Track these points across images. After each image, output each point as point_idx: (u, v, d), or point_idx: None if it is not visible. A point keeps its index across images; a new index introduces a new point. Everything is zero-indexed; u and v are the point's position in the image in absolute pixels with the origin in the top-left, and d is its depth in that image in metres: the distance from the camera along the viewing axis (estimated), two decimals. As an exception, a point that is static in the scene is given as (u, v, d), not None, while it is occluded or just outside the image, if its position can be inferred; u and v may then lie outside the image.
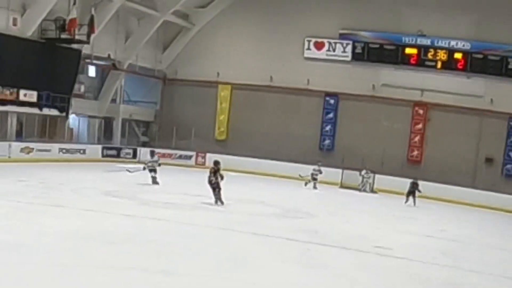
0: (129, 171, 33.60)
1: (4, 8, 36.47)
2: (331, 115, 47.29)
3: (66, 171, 34.78)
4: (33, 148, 38.77)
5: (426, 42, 44.26)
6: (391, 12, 44.69)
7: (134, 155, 46.33)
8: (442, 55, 43.87)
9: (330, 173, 40.46)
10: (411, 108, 45.34)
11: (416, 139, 45.29)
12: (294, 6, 47.41)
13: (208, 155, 45.38)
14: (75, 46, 41.03)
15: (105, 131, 48.47)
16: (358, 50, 46.01)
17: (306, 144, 46.49)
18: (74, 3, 39.28)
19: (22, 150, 38.05)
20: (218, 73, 49.54)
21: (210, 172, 25.55)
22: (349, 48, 46.27)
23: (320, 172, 39.70)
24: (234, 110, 49.72)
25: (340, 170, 42.09)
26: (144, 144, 49.53)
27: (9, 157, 36.80)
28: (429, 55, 44.19)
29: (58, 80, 40.38)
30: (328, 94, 47.18)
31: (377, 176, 41.35)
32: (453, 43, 43.53)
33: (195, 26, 50.56)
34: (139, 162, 41.89)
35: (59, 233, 16.30)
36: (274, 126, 47.93)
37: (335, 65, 46.48)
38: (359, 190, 41.04)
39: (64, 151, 41.48)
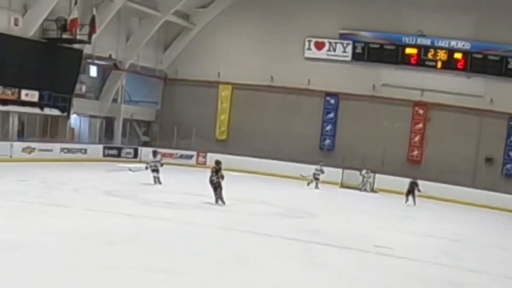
0: (131, 170, 33.66)
1: (6, 8, 36.50)
2: (331, 115, 47.36)
3: (67, 170, 34.73)
4: (34, 148, 38.77)
5: (426, 42, 44.33)
6: (391, 12, 44.77)
7: (135, 155, 46.37)
8: (442, 55, 43.93)
9: (331, 172, 40.33)
10: (411, 108, 45.39)
11: (416, 139, 45.35)
12: (294, 6, 47.51)
13: (209, 154, 45.52)
14: (76, 46, 41.04)
15: (106, 131, 48.44)
16: (359, 50, 46.08)
17: (306, 144, 46.58)
18: (76, 3, 39.27)
19: (23, 150, 38.03)
20: (219, 73, 49.60)
21: (212, 172, 25.57)
22: (349, 48, 46.33)
23: (322, 172, 39.72)
24: (235, 110, 49.78)
25: (340, 170, 42.09)
26: (145, 144, 49.54)
27: (11, 156, 36.75)
28: (429, 55, 44.26)
29: (60, 80, 40.40)
30: (328, 94, 47.22)
31: (377, 175, 41.40)
32: (453, 43, 43.60)
33: (196, 26, 50.61)
34: (140, 161, 42.10)
35: (60, 232, 16.33)
36: (275, 126, 48.04)
37: (335, 65, 46.53)
38: (360, 189, 41.09)
39: (65, 150, 41.44)
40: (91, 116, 47.35)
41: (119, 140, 48.64)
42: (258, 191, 34.87)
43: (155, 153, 32.58)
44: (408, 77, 44.75)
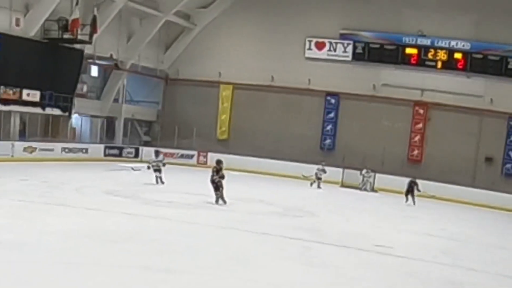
0: (134, 170, 33.78)
1: (7, 9, 36.59)
2: (332, 115, 47.45)
3: (68, 170, 34.78)
4: (36, 148, 38.84)
5: (426, 42, 44.42)
6: (392, 13, 44.87)
7: (136, 154, 46.48)
8: (442, 55, 44.02)
9: (331, 172, 40.34)
10: (412, 107, 45.46)
11: (416, 138, 45.44)
12: (295, 6, 47.60)
13: (209, 154, 45.65)
14: (77, 46, 41.11)
15: (107, 130, 48.55)
16: (359, 50, 46.18)
17: (307, 143, 46.67)
18: (77, 4, 39.27)
19: (25, 149, 38.10)
20: (219, 73, 49.70)
21: (213, 171, 25.57)
22: (349, 48, 46.45)
23: (324, 172, 39.81)
24: (236, 110, 49.88)
25: (340, 169, 42.15)
26: (146, 144, 49.58)
27: (12, 156, 36.80)
28: (429, 55, 44.36)
29: (61, 80, 40.51)
30: (329, 93, 47.31)
31: (377, 175, 41.44)
32: (453, 43, 43.69)
33: (196, 26, 50.72)
34: (141, 161, 42.16)
35: (61, 232, 16.37)
36: (275, 125, 48.08)
37: (336, 65, 46.64)
38: (360, 189, 41.13)
39: (66, 150, 41.54)
40: (92, 116, 47.42)
41: (120, 140, 48.72)
42: (259, 190, 34.93)
43: (157, 153, 32.60)
44: (408, 77, 44.84)
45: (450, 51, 43.97)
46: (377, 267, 16.30)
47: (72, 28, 39.26)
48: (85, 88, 46.02)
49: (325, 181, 39.81)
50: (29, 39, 37.69)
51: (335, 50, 46.85)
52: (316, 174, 39.87)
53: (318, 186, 39.42)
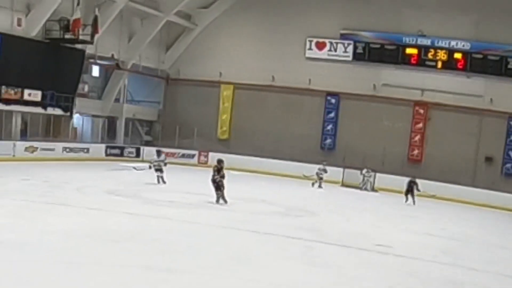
0: (136, 169, 33.82)
1: (9, 9, 36.62)
2: (332, 115, 47.50)
3: (70, 170, 34.83)
4: (37, 147, 38.90)
5: (426, 42, 44.46)
6: (392, 13, 44.90)
7: (138, 154, 46.42)
8: (442, 55, 44.06)
9: (332, 172, 40.29)
10: (412, 107, 45.50)
11: (417, 138, 45.47)
12: (295, 6, 47.63)
13: (210, 154, 45.64)
14: (79, 46, 41.12)
15: (108, 130, 48.48)
16: (359, 50, 46.21)
17: (307, 143, 46.72)
18: (78, 4, 39.30)
19: (26, 149, 38.15)
20: (220, 73, 49.75)
21: (214, 171, 25.61)
22: (350, 48, 46.49)
23: (326, 171, 39.84)
24: (237, 110, 49.93)
25: (341, 169, 42.19)
26: (147, 143, 49.57)
27: (14, 156, 36.86)
28: (429, 55, 44.39)
29: (62, 80, 40.53)
30: (329, 93, 47.35)
31: (377, 175, 41.44)
32: (453, 43, 43.73)
33: (197, 26, 50.76)
34: (142, 161, 42.12)
35: (62, 231, 16.44)
36: (276, 125, 48.09)
37: (336, 65, 46.68)
38: (360, 188, 41.13)
39: (68, 150, 41.58)
40: (93, 116, 47.53)
41: (122, 139, 48.73)
42: (259, 190, 34.93)
43: (159, 153, 32.55)
44: (409, 77, 44.88)
45: (450, 51, 43.99)
46: (377, 267, 16.35)
47: (73, 28, 39.23)
48: (86, 88, 46.06)
49: (326, 181, 39.77)
50: (30, 39, 37.72)
51: (335, 50, 46.90)
52: (317, 174, 39.92)
53: (320, 186, 39.43)
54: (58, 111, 41.48)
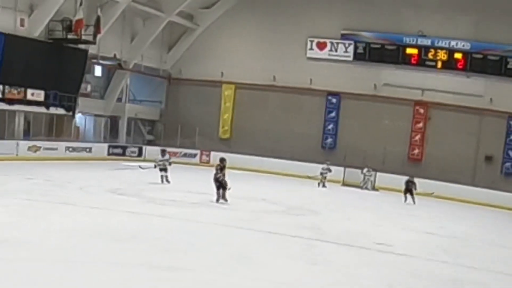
0: (141, 168, 33.91)
1: (12, 9, 36.70)
2: (333, 114, 47.63)
3: (72, 169, 34.83)
4: (40, 147, 38.98)
5: (427, 42, 44.57)
6: (392, 13, 45.03)
7: (140, 153, 46.58)
8: (442, 55, 44.17)
9: (332, 171, 40.34)
10: (412, 107, 45.61)
11: (417, 137, 45.60)
12: (296, 7, 47.76)
13: (212, 153, 45.83)
14: (81, 46, 41.21)
15: (111, 129, 48.56)
16: (360, 50, 46.33)
17: (308, 142, 46.83)
18: (81, 4, 39.43)
19: (29, 148, 38.27)
20: (222, 73, 49.89)
21: (216, 169, 25.63)
22: (351, 48, 46.62)
23: (330, 171, 39.99)
24: (238, 109, 50.06)
25: (342, 168, 42.22)
26: (150, 143, 49.83)
27: (17, 155, 37.00)
28: (430, 55, 44.51)
29: (65, 80, 40.62)
30: (330, 93, 47.48)
31: (378, 174, 41.60)
32: (453, 43, 43.85)
33: (199, 26, 50.86)
34: (144, 160, 42.29)
35: (65, 230, 16.52)
36: (277, 124, 48.25)
37: (337, 65, 46.81)
38: (361, 187, 41.30)
39: (70, 149, 41.68)
40: (96, 115, 47.69)
41: (124, 139, 48.81)
42: (261, 189, 34.94)
43: (163, 152, 32.62)
44: (409, 77, 44.98)
45: (450, 51, 44.11)
46: (378, 265, 16.37)
47: (76, 29, 39.38)
48: (89, 88, 46.14)
49: (327, 180, 40.01)
50: (33, 39, 37.82)
51: (336, 50, 47.03)
52: (321, 173, 40.08)
53: (324, 185, 39.64)
54: (61, 111, 41.58)
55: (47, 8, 37.78)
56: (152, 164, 32.68)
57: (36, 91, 39.09)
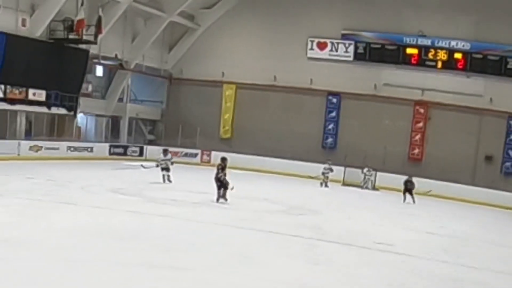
0: (144, 167, 33.95)
1: (13, 9, 36.78)
2: (333, 114, 47.73)
3: (74, 169, 34.87)
4: (41, 147, 39.09)
5: (427, 42, 44.68)
6: (392, 13, 45.13)
7: (141, 153, 46.65)
8: (442, 55, 44.28)
9: (334, 170, 40.72)
10: (412, 107, 45.71)
11: (417, 137, 45.71)
12: (297, 7, 47.83)
13: (213, 153, 45.79)
14: (83, 46, 41.33)
15: (112, 129, 48.68)
16: (360, 50, 46.43)
17: (309, 142, 46.92)
18: (82, 4, 39.52)
19: (31, 148, 38.36)
20: (223, 73, 49.98)
21: (218, 169, 25.65)
22: (351, 48, 46.72)
23: (332, 170, 40.01)
24: (239, 109, 50.13)
25: (342, 168, 42.16)
26: (151, 143, 49.92)
27: (18, 155, 37.06)
28: (430, 55, 44.62)
29: (66, 80, 40.72)
30: (330, 93, 47.57)
31: (378, 173, 41.62)
32: (453, 43, 43.95)
33: (200, 27, 50.94)
34: (145, 160, 42.34)
35: (66, 229, 16.54)
36: (278, 124, 48.31)
37: (337, 65, 46.91)
38: (361, 187, 41.38)
39: (72, 149, 41.79)
40: (97, 115, 47.77)
41: (125, 138, 48.91)
42: (261, 188, 34.95)
43: (165, 152, 32.51)
44: (409, 77, 45.06)
45: (450, 51, 44.21)
46: (378, 265, 16.36)
47: (77, 29, 39.46)
48: (90, 88, 46.26)
49: (329, 180, 40.14)
50: (35, 39, 37.91)
51: (336, 50, 47.13)
52: (323, 173, 40.15)
53: (326, 185, 39.72)
54: (62, 111, 41.66)
55: (49, 8, 37.83)
56: (154, 164, 32.69)
57: (38, 91, 39.20)
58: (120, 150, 46.24)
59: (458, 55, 44.14)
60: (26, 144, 38.39)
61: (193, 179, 35.59)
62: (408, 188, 35.33)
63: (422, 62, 44.95)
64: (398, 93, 45.45)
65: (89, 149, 43.45)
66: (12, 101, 37.73)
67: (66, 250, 14.22)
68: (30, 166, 33.24)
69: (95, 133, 48.33)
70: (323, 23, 47.37)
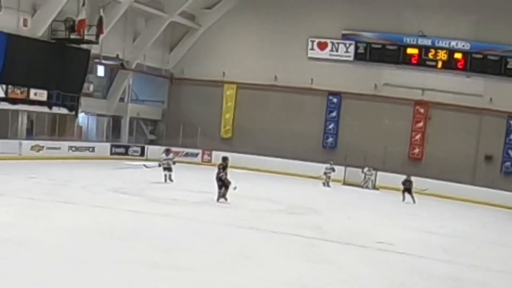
0: (146, 167, 34.00)
1: (15, 9, 36.84)
2: (334, 114, 47.76)
3: (75, 168, 34.94)
4: (43, 146, 39.16)
5: (427, 42, 44.68)
6: (393, 13, 45.15)
7: (142, 153, 46.68)
8: (442, 55, 44.29)
9: (336, 170, 40.80)
10: (412, 106, 45.71)
11: (417, 137, 45.72)
12: (298, 7, 47.82)
13: (214, 153, 45.79)
14: (84, 46, 41.39)
15: (113, 129, 48.69)
16: (361, 50, 46.44)
17: (309, 142, 47.00)
18: (83, 4, 39.55)
19: (32, 148, 38.42)
20: (223, 73, 50.02)
21: (219, 168, 25.75)
22: (351, 48, 46.73)
23: (333, 170, 40.17)
24: (240, 109, 50.16)
25: (343, 168, 42.22)
26: (152, 142, 50.00)
27: (20, 154, 37.10)
28: (430, 55, 44.62)
29: (68, 80, 40.75)
30: (331, 93, 47.58)
31: (379, 173, 41.68)
32: (453, 43, 43.96)
33: (201, 27, 50.98)
34: (146, 159, 42.43)
35: (67, 229, 16.62)
36: (278, 124, 48.35)
37: (338, 64, 46.93)
38: (362, 187, 41.44)
39: (73, 149, 41.86)
40: (98, 115, 47.78)
41: (126, 138, 48.94)
42: (262, 188, 34.93)
43: (168, 151, 32.57)
44: (409, 77, 45.08)
45: (450, 51, 44.22)
46: (379, 264, 16.48)
47: (78, 29, 39.53)
48: (91, 88, 46.21)
49: (331, 180, 40.26)
50: (36, 39, 37.96)
51: (337, 50, 47.15)
52: (325, 173, 40.27)
53: (328, 185, 39.83)
54: (64, 111, 41.75)
55: (50, 8, 37.90)
56: (157, 163, 32.68)
57: (39, 91, 39.27)
58: (121, 150, 46.29)
59: (458, 55, 44.15)
60: (27, 143, 38.44)
61: (194, 179, 35.61)
62: (407, 187, 35.35)
63: (422, 62, 44.94)
64: (398, 93, 45.45)
65: (90, 149, 43.51)
66: (13, 101, 37.81)
67: (67, 249, 14.30)
68: (31, 166, 33.26)
69: (97, 133, 48.35)
70: (324, 23, 47.39)
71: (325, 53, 47.54)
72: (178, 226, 19.37)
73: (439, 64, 44.65)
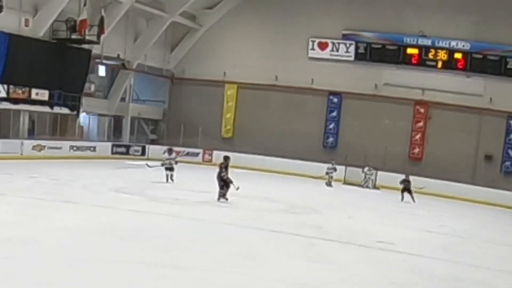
0: (149, 166, 34.03)
1: (16, 10, 36.88)
2: (334, 114, 47.80)
3: (76, 168, 35.00)
4: (44, 146, 39.16)
5: (427, 42, 44.70)
6: (393, 13, 45.16)
7: (143, 152, 46.75)
8: (442, 55, 44.31)
9: (338, 170, 40.90)
10: (413, 106, 45.74)
11: (417, 137, 45.76)
12: (298, 7, 47.84)
13: (214, 152, 45.81)
14: (85, 46, 41.43)
15: (114, 129, 48.82)
16: (361, 50, 46.46)
17: (310, 141, 47.04)
18: (85, 4, 39.55)
19: (34, 147, 38.43)
20: (224, 73, 50.05)
21: (221, 168, 25.82)
22: (352, 48, 46.75)
23: (335, 170, 40.34)
24: (240, 109, 50.21)
25: (343, 167, 42.27)
26: (153, 142, 50.06)
27: (21, 154, 37.14)
28: (430, 55, 44.64)
29: (69, 80, 40.81)
30: (331, 93, 47.62)
31: (379, 173, 41.71)
32: (453, 43, 43.99)
33: (202, 27, 50.98)
34: (147, 159, 42.42)
35: (69, 228, 16.66)
36: (279, 124, 48.37)
37: (338, 64, 46.97)
38: (362, 186, 41.48)
39: (74, 148, 41.91)
40: (99, 115, 47.86)
41: (127, 138, 48.97)
42: (262, 188, 34.95)
43: (170, 151, 32.62)
44: (409, 77, 45.12)
45: (450, 51, 44.24)
46: (379, 263, 16.53)
47: (80, 29, 39.55)
48: (92, 88, 46.27)
49: (333, 179, 40.35)
50: (38, 39, 38.03)
51: (337, 50, 47.20)
52: (327, 173, 40.38)
53: (330, 185, 39.96)
54: (65, 110, 41.83)
55: (51, 8, 37.99)
56: (159, 163, 32.69)
57: (41, 91, 39.31)
58: (123, 149, 46.32)
59: (458, 55, 44.17)
60: (29, 143, 38.47)
61: (195, 178, 35.71)
62: (406, 187, 35.38)
63: (423, 62, 44.97)
64: (398, 93, 45.48)
65: (91, 149, 43.55)
66: (15, 101, 37.88)
67: (67, 249, 14.36)
68: (33, 165, 33.33)
69: (98, 133, 48.44)
70: (324, 23, 47.41)
71: (326, 53, 47.58)
72: (179, 226, 19.37)
73: (439, 64, 44.66)
